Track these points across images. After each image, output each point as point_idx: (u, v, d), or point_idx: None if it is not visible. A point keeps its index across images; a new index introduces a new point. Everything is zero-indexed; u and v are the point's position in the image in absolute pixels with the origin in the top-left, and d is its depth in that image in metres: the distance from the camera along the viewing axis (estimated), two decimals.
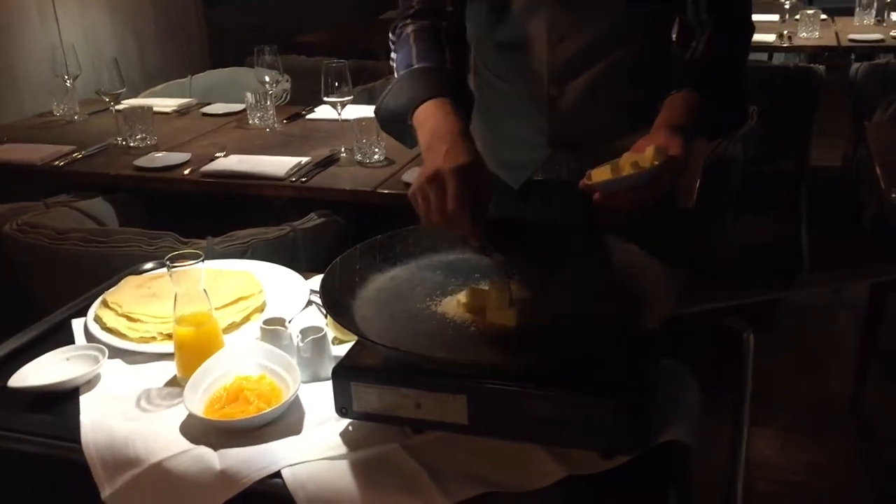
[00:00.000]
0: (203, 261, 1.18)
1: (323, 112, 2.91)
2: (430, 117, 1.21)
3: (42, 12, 3.51)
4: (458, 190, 1.07)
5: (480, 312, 1.09)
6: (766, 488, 2.24)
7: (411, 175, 2.22)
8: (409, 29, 1.37)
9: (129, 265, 1.61)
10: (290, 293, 1.43)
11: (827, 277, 0.98)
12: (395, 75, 1.35)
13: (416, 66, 1.30)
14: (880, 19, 4.25)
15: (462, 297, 1.12)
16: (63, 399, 1.18)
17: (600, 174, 1.15)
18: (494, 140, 1.48)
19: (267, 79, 2.84)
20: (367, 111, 2.39)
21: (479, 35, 1.46)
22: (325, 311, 1.33)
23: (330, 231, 2.16)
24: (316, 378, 1.20)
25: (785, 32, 4.12)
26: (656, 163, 1.11)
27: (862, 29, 4.17)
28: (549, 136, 1.42)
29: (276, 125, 2.83)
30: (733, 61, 1.37)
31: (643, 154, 1.13)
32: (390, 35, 1.42)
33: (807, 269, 3.41)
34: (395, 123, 1.30)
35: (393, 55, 1.39)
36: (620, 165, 1.14)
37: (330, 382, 1.14)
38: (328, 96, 2.41)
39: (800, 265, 3.44)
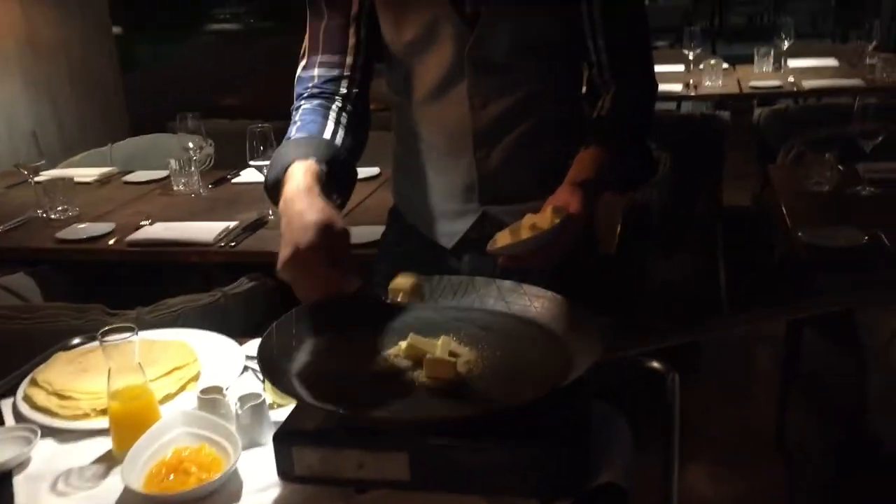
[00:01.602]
0: (136, 333, 1.18)
1: (249, 175, 2.92)
2: (285, 189, 1.20)
3: None
4: (322, 266, 1.11)
5: (419, 362, 1.12)
6: None
7: None
8: (302, 105, 1.39)
9: (56, 340, 1.57)
10: (226, 360, 1.43)
11: (745, 318, 1.04)
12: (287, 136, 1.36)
13: (289, 138, 1.33)
14: (778, 66, 4.51)
15: (402, 346, 1.15)
16: None
17: (503, 238, 1.20)
18: (425, 200, 1.52)
19: (191, 145, 2.85)
20: None
21: (401, 100, 1.49)
22: (262, 377, 1.34)
23: (261, 295, 2.16)
24: (255, 444, 1.20)
25: (690, 82, 4.33)
26: (556, 221, 1.17)
27: (761, 76, 4.42)
28: (478, 195, 1.46)
29: (201, 191, 2.83)
30: (638, 117, 1.42)
31: (543, 215, 1.19)
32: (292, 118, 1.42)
33: (726, 304, 3.55)
34: (270, 197, 1.30)
35: (289, 130, 1.39)
36: (522, 227, 1.19)
37: (269, 447, 1.15)
38: (254, 160, 2.43)
39: (719, 301, 3.57)
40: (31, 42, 3.86)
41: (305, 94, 1.41)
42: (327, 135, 1.34)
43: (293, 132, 1.35)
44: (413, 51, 1.40)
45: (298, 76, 1.44)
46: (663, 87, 4.53)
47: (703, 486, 2.41)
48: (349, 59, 1.41)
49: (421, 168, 1.50)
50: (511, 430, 0.99)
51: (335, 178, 1.28)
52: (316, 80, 1.42)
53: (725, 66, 4.47)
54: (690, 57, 4.47)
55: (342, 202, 1.32)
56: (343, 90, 1.42)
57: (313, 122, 1.36)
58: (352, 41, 1.41)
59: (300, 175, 1.21)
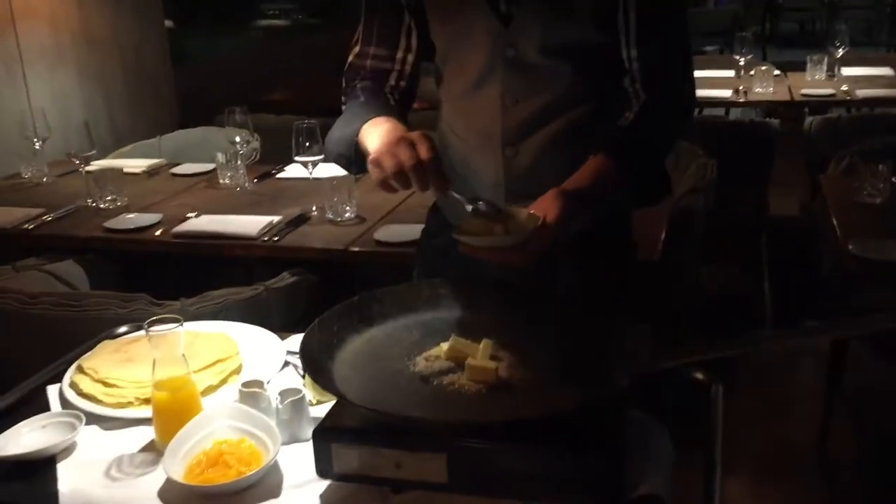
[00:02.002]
0: (182, 325, 1.20)
1: (293, 171, 2.94)
2: (378, 126, 1.32)
3: (11, 75, 3.52)
4: (429, 142, 1.19)
5: (460, 364, 1.12)
6: None
7: (383, 233, 2.26)
8: (359, 87, 1.49)
9: (102, 329, 1.60)
10: (267, 354, 1.44)
11: (795, 333, 1.02)
12: (347, 114, 1.44)
13: (363, 100, 1.43)
14: (831, 74, 4.41)
15: (443, 348, 1.14)
16: (40, 467, 1.17)
17: (470, 227, 1.21)
18: (457, 189, 1.51)
19: (237, 139, 2.88)
20: (338, 170, 2.43)
21: (442, 97, 1.54)
22: (302, 373, 1.35)
23: (302, 290, 2.17)
24: (294, 440, 1.21)
25: (740, 88, 4.26)
26: (528, 227, 1.15)
27: (814, 84, 4.33)
28: (505, 192, 1.46)
29: (246, 185, 2.85)
30: (660, 133, 1.41)
31: (520, 215, 1.18)
32: (342, 94, 1.52)
33: (770, 315, 3.49)
34: (342, 150, 1.40)
35: (343, 105, 1.50)
36: (495, 222, 1.19)
37: (308, 444, 1.15)
38: (299, 156, 2.45)
39: (762, 311, 3.51)
40: (86, 35, 3.94)
41: (358, 80, 1.50)
42: (394, 114, 1.40)
43: (361, 98, 1.43)
44: (453, 47, 1.45)
45: (350, 63, 1.53)
46: (713, 92, 4.47)
47: (743, 501, 2.37)
48: (399, 55, 1.50)
49: (453, 163, 1.52)
50: (550, 437, 0.98)
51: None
52: (367, 71, 1.50)
53: (777, 72, 4.39)
54: (741, 62, 4.39)
55: None
56: (392, 82, 1.51)
57: (379, 106, 1.42)
58: (403, 38, 1.49)
59: (391, 123, 1.33)
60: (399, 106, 1.49)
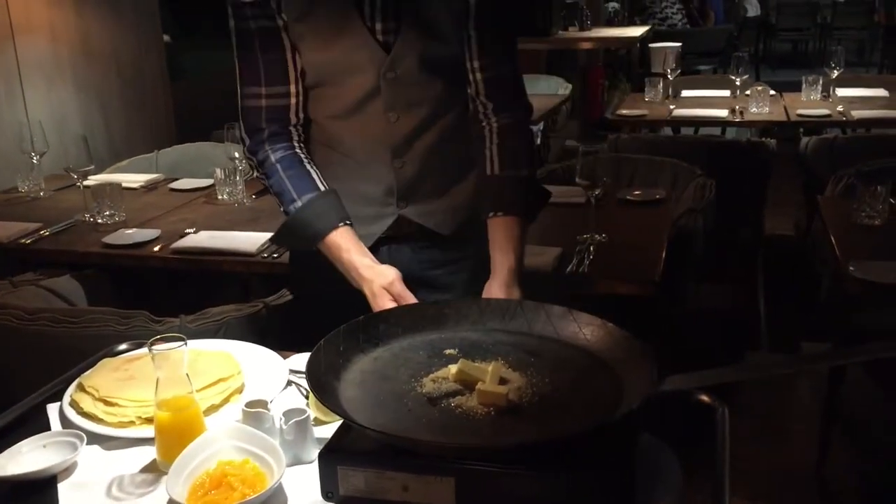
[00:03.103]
0: (186, 344, 1.19)
1: None
2: (341, 250, 1.50)
3: (9, 89, 3.52)
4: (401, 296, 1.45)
5: (468, 385, 1.11)
6: None
7: None
8: (272, 158, 1.54)
9: (101, 346, 1.59)
10: (269, 373, 1.43)
11: (797, 360, 1.02)
12: (276, 198, 1.56)
13: (300, 204, 1.52)
14: (826, 95, 4.45)
15: (450, 370, 1.14)
16: (41, 488, 1.15)
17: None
18: (346, 200, 1.59)
19: (236, 154, 2.87)
20: None
21: (318, 114, 1.58)
22: (306, 392, 1.34)
23: (301, 307, 2.16)
24: (298, 461, 1.19)
25: (736, 107, 4.29)
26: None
27: (809, 104, 4.36)
28: (396, 199, 1.59)
29: (245, 200, 2.85)
30: (525, 152, 1.59)
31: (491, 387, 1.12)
32: (249, 156, 1.58)
33: (766, 335, 3.49)
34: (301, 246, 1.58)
35: (263, 179, 1.58)
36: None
37: (312, 465, 1.15)
38: None
39: (758, 333, 3.52)
40: (85, 48, 3.93)
41: (265, 137, 1.55)
42: (320, 185, 1.54)
43: (293, 190, 1.53)
44: (330, 73, 1.52)
45: (245, 108, 1.55)
46: (709, 111, 4.51)
47: None
48: (293, 88, 1.54)
49: (338, 178, 1.58)
50: (559, 460, 0.97)
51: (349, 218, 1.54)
52: (266, 111, 1.54)
53: (772, 92, 4.42)
54: (737, 82, 4.42)
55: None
56: (293, 118, 1.56)
57: (303, 176, 1.54)
58: (292, 70, 1.53)
59: (357, 244, 1.52)
60: (310, 157, 1.58)
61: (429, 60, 1.51)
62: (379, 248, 1.61)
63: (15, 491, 1.15)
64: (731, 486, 1.15)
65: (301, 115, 1.57)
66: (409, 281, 1.54)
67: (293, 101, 1.55)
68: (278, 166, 1.54)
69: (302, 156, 1.57)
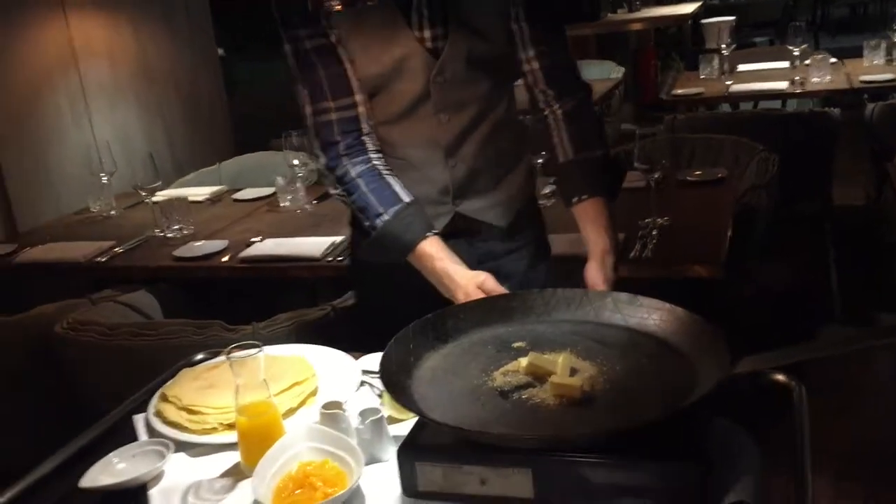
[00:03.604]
0: (262, 350, 1.22)
1: None
2: (431, 260, 1.49)
3: (75, 112, 3.64)
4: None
5: (539, 378, 1.12)
6: None
7: None
8: (352, 173, 1.55)
9: (179, 356, 1.64)
10: (342, 375, 1.46)
11: (874, 332, 0.99)
12: (360, 213, 1.55)
13: (388, 217, 1.51)
14: (889, 59, 4.30)
15: (520, 363, 1.15)
16: (132, 496, 1.20)
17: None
18: None
19: (296, 162, 2.93)
20: None
21: (374, 118, 1.59)
22: (379, 392, 1.37)
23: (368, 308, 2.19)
24: (374, 460, 1.22)
25: (796, 78, 4.18)
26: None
27: (872, 70, 4.22)
28: (452, 197, 1.61)
29: (306, 206, 2.90)
30: (594, 130, 1.59)
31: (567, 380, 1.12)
32: (327, 172, 1.58)
33: (839, 311, 3.40)
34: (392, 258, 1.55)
35: (344, 196, 1.57)
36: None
37: (387, 463, 1.17)
38: None
39: (831, 308, 3.43)
40: (144, 68, 4.05)
41: (341, 151, 1.55)
42: (404, 196, 1.53)
43: (378, 204, 1.53)
44: (383, 82, 1.53)
45: (316, 124, 1.56)
46: (768, 84, 4.41)
47: (827, 501, 2.31)
48: (358, 97, 1.55)
49: (396, 170, 1.59)
50: (635, 448, 0.97)
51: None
52: (337, 126, 1.55)
53: (833, 60, 4.29)
54: (796, 52, 4.30)
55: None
56: (366, 126, 1.56)
57: (384, 188, 1.54)
58: (355, 83, 1.54)
59: (445, 251, 1.50)
60: (388, 165, 1.58)
61: (475, 60, 1.53)
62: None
63: (108, 500, 1.20)
64: (812, 465, 1.14)
65: (371, 124, 1.57)
66: None
67: (361, 109, 1.55)
68: (360, 181, 1.54)
69: (380, 167, 1.57)
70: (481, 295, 1.41)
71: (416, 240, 1.50)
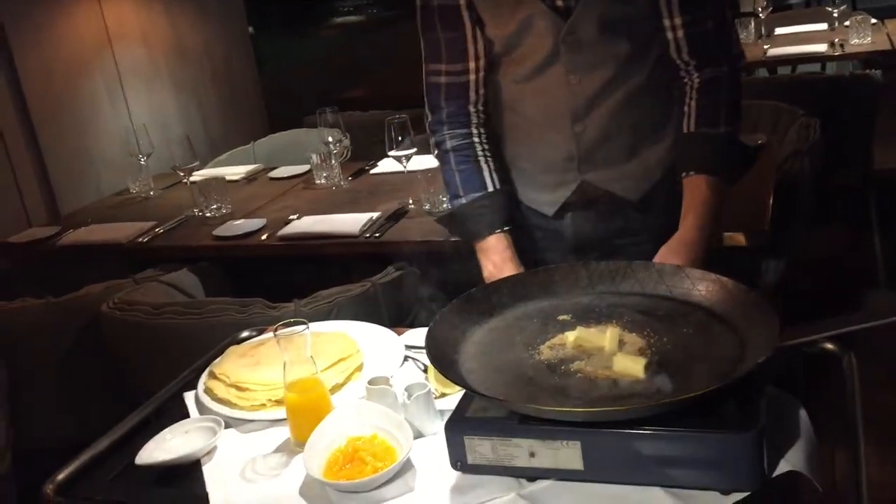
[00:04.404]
0: (308, 327, 1.23)
1: (386, 165, 2.98)
2: (491, 254, 1.53)
3: (112, 96, 3.68)
4: None
5: (585, 351, 1.11)
6: None
7: None
8: (448, 144, 1.57)
9: (223, 334, 1.66)
10: (386, 350, 1.47)
11: None
12: (445, 177, 1.59)
13: (465, 202, 1.55)
14: None
15: (567, 337, 1.15)
16: (187, 472, 1.23)
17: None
18: (525, 172, 1.60)
19: (330, 138, 2.93)
20: (431, 161, 2.44)
21: (500, 79, 1.57)
22: (424, 367, 1.37)
23: (408, 283, 2.20)
24: (421, 434, 1.23)
25: (836, 40, 4.08)
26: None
27: None
28: (578, 164, 1.55)
29: (342, 183, 2.91)
30: (732, 116, 1.48)
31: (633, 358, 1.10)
32: (430, 132, 1.61)
33: (883, 278, 3.34)
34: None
35: (436, 159, 1.62)
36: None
37: (434, 437, 1.18)
38: (393, 150, 2.48)
39: (875, 274, 3.37)
40: (178, 49, 4.08)
41: (445, 118, 1.57)
42: (490, 185, 1.56)
43: (461, 186, 1.56)
44: (512, 44, 1.50)
45: (428, 84, 1.58)
46: (806, 47, 4.30)
47: (871, 471, 2.28)
48: (472, 64, 1.54)
49: (520, 142, 1.58)
50: (686, 419, 0.97)
51: (511, 221, 1.57)
52: (446, 88, 1.56)
53: (873, 21, 4.18)
54: (835, 14, 4.20)
55: (514, 224, 1.58)
56: (473, 95, 1.57)
57: (473, 172, 1.56)
58: (471, 47, 1.53)
59: (505, 251, 1.53)
60: (489, 143, 1.58)
61: (610, 21, 1.45)
62: (563, 215, 1.60)
63: (164, 476, 1.23)
64: (863, 433, 1.13)
65: (481, 93, 1.57)
66: (594, 249, 1.56)
67: (472, 77, 1.55)
68: (451, 156, 1.56)
69: (478, 146, 1.57)
70: None
71: (482, 232, 1.53)
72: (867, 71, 3.69)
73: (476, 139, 1.57)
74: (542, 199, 1.60)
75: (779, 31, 4.58)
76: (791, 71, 4.77)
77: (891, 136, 3.94)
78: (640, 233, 1.59)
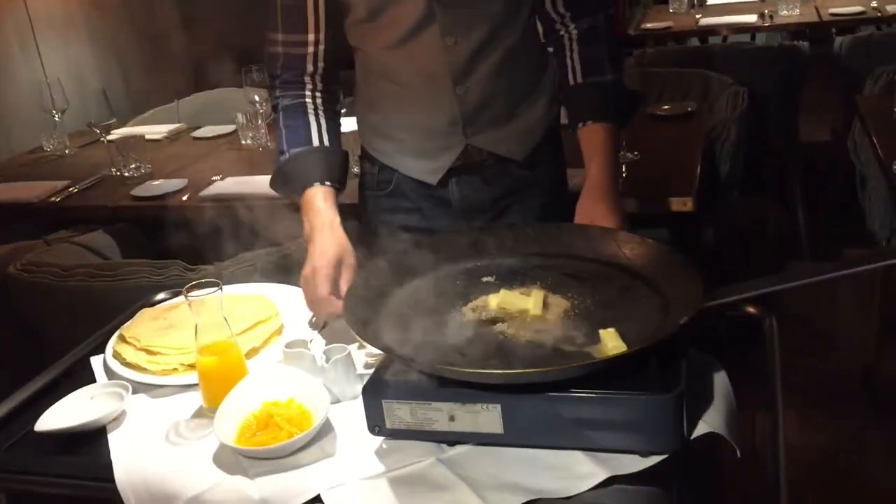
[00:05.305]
0: (221, 289, 1.18)
1: None
2: (308, 210, 1.41)
3: (24, 47, 3.49)
4: (326, 286, 1.31)
5: (509, 313, 1.09)
6: (791, 468, 2.24)
7: None
8: (280, 104, 1.50)
9: (138, 297, 1.60)
10: (307, 313, 1.42)
11: (842, 264, 0.98)
12: (276, 137, 1.51)
13: (288, 157, 1.46)
14: None
15: (491, 301, 1.12)
16: (91, 439, 1.17)
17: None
18: (404, 142, 1.55)
19: (256, 98, 2.84)
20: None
21: (366, 47, 1.50)
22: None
23: None
24: (342, 398, 1.19)
25: (765, 12, 4.14)
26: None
27: (841, 2, 4.18)
28: (462, 127, 1.50)
29: (269, 143, 2.82)
30: (611, 54, 1.48)
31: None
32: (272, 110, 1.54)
33: (806, 247, 3.42)
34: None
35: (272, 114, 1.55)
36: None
37: (355, 402, 1.14)
38: None
39: (799, 244, 3.45)
40: (96, 0, 3.89)
41: (278, 84, 1.50)
42: (316, 140, 1.48)
43: (285, 142, 1.48)
44: (376, 6, 1.42)
45: (268, 53, 1.51)
46: (737, 18, 4.35)
47: (790, 434, 2.34)
48: (311, 36, 1.47)
49: (397, 111, 1.53)
50: (608, 382, 0.95)
51: (339, 179, 1.47)
52: (283, 59, 1.49)
53: None
54: None
55: (343, 185, 1.49)
56: (310, 67, 1.49)
57: (299, 127, 1.48)
58: (311, 17, 1.46)
59: (322, 206, 1.41)
60: (325, 106, 1.51)
61: None
62: (448, 180, 1.55)
63: (67, 443, 1.16)
64: (783, 397, 1.14)
65: (320, 65, 1.50)
66: (483, 212, 1.52)
67: (310, 49, 1.48)
68: (280, 115, 1.50)
69: (309, 104, 1.50)
70: (324, 280, 1.30)
71: (305, 185, 1.42)
72: (795, 42, 3.75)
73: (308, 100, 1.50)
74: (424, 167, 1.54)
75: (711, 0, 4.62)
76: (722, 41, 4.83)
77: (816, 110, 4.02)
78: (526, 190, 1.57)
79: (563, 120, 1.57)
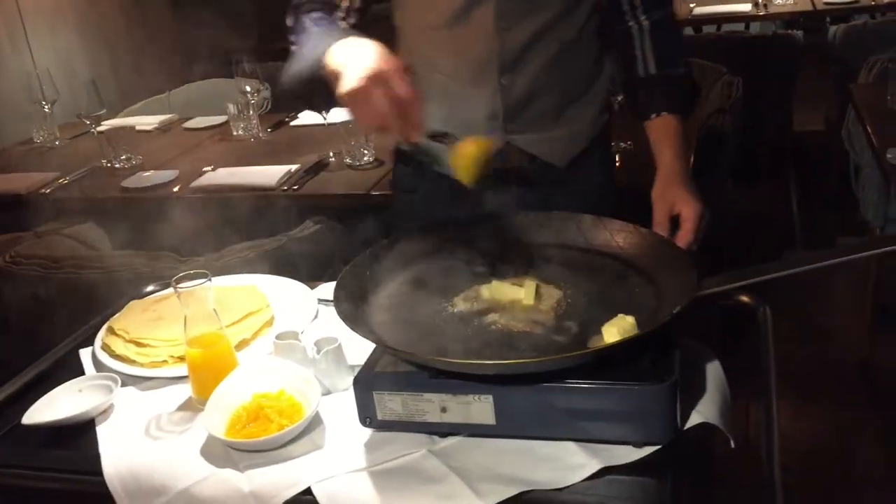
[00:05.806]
0: (210, 280, 1.16)
1: (307, 118, 2.89)
2: (346, 44, 1.14)
3: (12, 38, 3.46)
4: (405, 83, 1.06)
5: (501, 303, 1.08)
6: (785, 458, 2.24)
7: None
8: (306, 20, 1.33)
9: (129, 288, 1.58)
10: (298, 305, 1.41)
11: (836, 251, 0.97)
12: (294, 56, 1.28)
13: (317, 30, 1.27)
14: None
15: (483, 292, 1.11)
16: (79, 432, 1.15)
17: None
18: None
19: (248, 88, 2.81)
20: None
21: (409, 28, 1.43)
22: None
23: (326, 237, 2.13)
24: (333, 389, 1.18)
25: (760, 1, 4.12)
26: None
27: None
28: (503, 123, 1.42)
29: (260, 135, 2.81)
30: (680, 45, 1.47)
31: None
32: (290, 33, 1.37)
33: (800, 236, 3.42)
34: (305, 81, 1.24)
35: (294, 44, 1.33)
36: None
37: (347, 392, 1.13)
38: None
39: (791, 230, 3.45)
40: None
41: (304, 9, 1.34)
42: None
43: (313, 30, 1.27)
44: None
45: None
46: (731, 7, 4.35)
47: (784, 424, 2.34)
48: None
49: (434, 100, 1.38)
50: (601, 373, 0.94)
51: None
52: (314, 2, 1.35)
53: None
54: None
55: None
56: (342, 13, 1.38)
57: (329, 23, 1.31)
58: None
59: (360, 40, 1.15)
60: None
61: None
62: (484, 190, 1.37)
63: (55, 436, 1.15)
64: (776, 386, 1.13)
65: (352, 7, 1.38)
66: None
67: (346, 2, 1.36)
68: (313, 24, 1.30)
69: (336, 19, 1.35)
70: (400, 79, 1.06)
71: (325, 45, 1.16)
72: (789, 31, 3.74)
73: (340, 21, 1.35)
74: None
75: None
76: (716, 29, 4.81)
77: (810, 99, 4.02)
78: (569, 200, 1.43)
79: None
